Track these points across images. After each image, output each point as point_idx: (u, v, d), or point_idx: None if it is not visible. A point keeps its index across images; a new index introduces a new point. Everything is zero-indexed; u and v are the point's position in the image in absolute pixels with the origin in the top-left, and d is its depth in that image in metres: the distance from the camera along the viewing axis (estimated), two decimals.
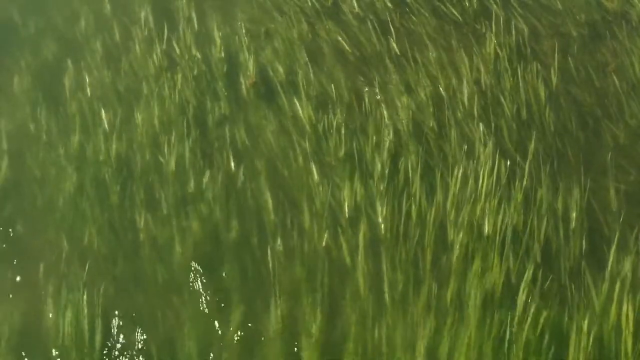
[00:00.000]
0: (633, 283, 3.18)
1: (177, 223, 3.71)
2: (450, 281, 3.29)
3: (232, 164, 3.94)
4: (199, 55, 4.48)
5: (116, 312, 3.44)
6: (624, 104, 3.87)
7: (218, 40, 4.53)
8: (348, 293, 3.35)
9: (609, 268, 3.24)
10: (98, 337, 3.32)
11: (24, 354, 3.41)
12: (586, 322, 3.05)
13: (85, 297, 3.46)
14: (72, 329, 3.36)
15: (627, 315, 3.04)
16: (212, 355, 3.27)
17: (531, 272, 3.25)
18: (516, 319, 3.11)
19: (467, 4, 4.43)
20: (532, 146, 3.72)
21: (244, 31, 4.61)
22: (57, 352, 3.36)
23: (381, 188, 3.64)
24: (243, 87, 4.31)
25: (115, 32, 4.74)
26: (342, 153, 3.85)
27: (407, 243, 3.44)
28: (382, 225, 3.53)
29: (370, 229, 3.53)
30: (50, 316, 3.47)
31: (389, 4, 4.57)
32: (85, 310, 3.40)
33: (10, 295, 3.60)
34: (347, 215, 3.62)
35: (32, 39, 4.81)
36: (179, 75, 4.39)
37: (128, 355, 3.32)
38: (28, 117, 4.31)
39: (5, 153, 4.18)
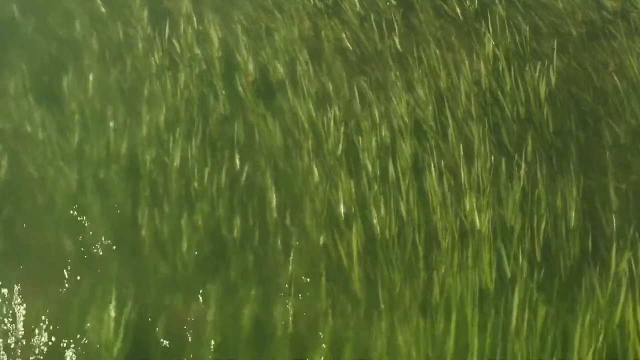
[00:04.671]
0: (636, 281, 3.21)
1: (181, 220, 3.72)
2: (450, 280, 3.30)
3: (236, 162, 3.95)
4: (199, 54, 4.48)
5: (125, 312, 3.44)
6: (624, 103, 3.89)
7: (216, 39, 4.52)
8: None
9: (609, 266, 3.26)
10: (120, 338, 3.32)
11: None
12: (588, 320, 3.07)
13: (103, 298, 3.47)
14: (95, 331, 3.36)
15: (631, 313, 3.06)
16: (214, 354, 3.28)
17: (531, 270, 3.27)
18: (514, 317, 3.14)
19: (468, 3, 4.44)
20: (530, 145, 3.74)
21: (242, 29, 4.60)
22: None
23: (376, 187, 3.66)
24: (242, 85, 4.31)
25: (115, 31, 4.73)
26: (339, 151, 3.86)
27: (402, 241, 3.46)
28: (377, 224, 3.54)
29: (365, 227, 3.55)
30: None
31: (393, 1, 4.58)
32: (112, 313, 3.39)
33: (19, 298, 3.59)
34: (342, 214, 3.63)
35: (31, 38, 4.80)
36: (181, 74, 4.39)
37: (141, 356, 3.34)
38: (25, 117, 4.30)
39: (4, 153, 4.17)
